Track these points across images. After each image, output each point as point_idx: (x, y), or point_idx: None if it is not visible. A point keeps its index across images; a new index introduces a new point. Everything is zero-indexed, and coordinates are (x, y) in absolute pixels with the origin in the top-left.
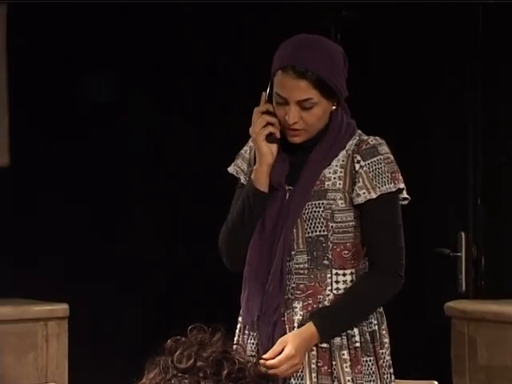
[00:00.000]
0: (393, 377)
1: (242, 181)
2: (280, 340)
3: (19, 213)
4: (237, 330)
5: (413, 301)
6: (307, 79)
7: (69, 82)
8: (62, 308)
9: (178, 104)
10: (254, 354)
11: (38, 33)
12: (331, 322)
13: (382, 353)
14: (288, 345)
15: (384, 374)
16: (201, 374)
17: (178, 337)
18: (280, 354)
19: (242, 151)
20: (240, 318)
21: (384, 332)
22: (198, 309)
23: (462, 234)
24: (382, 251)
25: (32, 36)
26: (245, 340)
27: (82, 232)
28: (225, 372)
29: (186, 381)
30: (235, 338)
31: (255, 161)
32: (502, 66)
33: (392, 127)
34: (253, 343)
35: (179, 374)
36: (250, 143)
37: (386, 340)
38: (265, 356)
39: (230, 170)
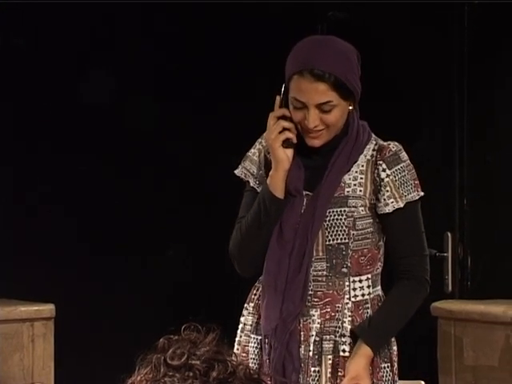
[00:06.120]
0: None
1: (251, 184)
2: (351, 375)
3: (6, 213)
4: (238, 331)
5: None
6: (325, 81)
7: (62, 81)
8: (48, 308)
9: (177, 104)
10: (255, 357)
11: (34, 32)
12: (381, 336)
13: (395, 360)
14: (363, 380)
15: (396, 382)
16: (191, 374)
17: (171, 335)
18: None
19: (250, 153)
20: (242, 319)
21: (393, 338)
22: (193, 309)
23: (449, 234)
24: (411, 260)
25: (26, 36)
26: (247, 342)
27: (69, 232)
28: (214, 373)
29: (177, 379)
30: (236, 339)
31: (266, 164)
32: (488, 65)
33: (379, 127)
34: (256, 347)
35: (170, 373)
36: (258, 145)
37: (396, 347)
38: None
39: (238, 172)
